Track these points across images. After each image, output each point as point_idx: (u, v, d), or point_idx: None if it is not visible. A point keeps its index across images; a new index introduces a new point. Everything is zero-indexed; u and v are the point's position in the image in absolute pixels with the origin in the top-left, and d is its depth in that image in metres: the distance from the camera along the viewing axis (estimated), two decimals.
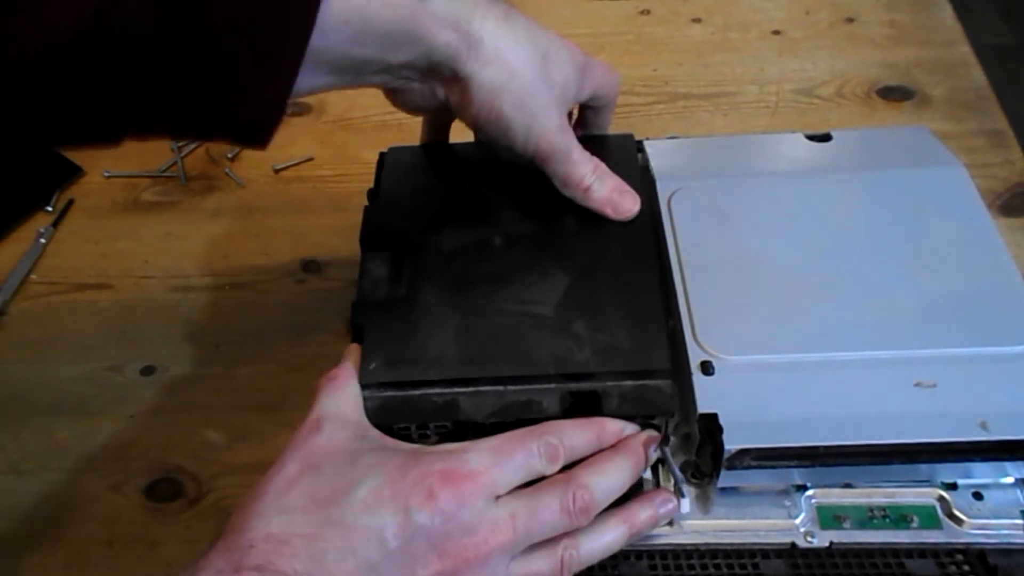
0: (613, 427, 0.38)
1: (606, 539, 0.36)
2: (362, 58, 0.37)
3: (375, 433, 0.37)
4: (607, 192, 0.44)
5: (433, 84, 0.41)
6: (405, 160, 0.50)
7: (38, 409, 0.51)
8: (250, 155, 0.65)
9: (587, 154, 0.44)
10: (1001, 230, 0.44)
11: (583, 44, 0.75)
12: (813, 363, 0.38)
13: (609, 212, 0.44)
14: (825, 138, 0.50)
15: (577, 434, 0.37)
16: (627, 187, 0.45)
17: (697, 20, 0.74)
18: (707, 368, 0.38)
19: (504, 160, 0.46)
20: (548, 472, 0.36)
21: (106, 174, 0.65)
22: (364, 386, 0.39)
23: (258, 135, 0.37)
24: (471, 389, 0.38)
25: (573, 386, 0.38)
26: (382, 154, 0.51)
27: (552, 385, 0.38)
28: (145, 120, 0.35)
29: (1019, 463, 0.37)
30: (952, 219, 0.44)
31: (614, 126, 0.64)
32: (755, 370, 0.38)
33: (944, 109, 0.64)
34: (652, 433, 0.38)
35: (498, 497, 0.35)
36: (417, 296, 0.42)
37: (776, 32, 0.71)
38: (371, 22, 0.36)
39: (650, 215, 0.45)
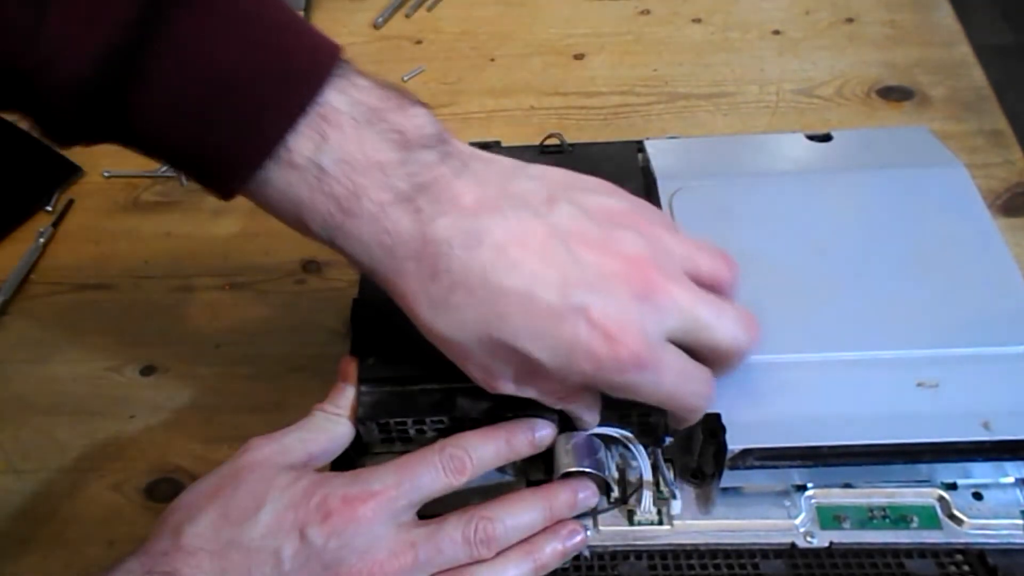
0: (519, 428, 0.37)
1: (508, 572, 0.35)
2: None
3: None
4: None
5: None
6: None
7: (38, 409, 0.51)
8: None
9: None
10: (1001, 230, 0.44)
11: (583, 44, 0.76)
12: (815, 363, 0.38)
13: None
14: (825, 138, 0.50)
15: (483, 443, 0.36)
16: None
17: (697, 20, 0.73)
18: None
19: None
20: (456, 484, 0.35)
21: (106, 174, 0.64)
22: (362, 381, 0.39)
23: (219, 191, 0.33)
24: (468, 385, 0.38)
25: None
26: None
27: None
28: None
29: (1020, 463, 0.37)
30: (953, 219, 0.44)
31: (615, 125, 0.65)
32: (757, 370, 0.38)
33: (944, 109, 0.64)
34: (582, 482, 0.38)
35: (402, 523, 0.34)
36: None
37: (776, 32, 0.71)
38: (303, 218, 0.33)
39: None
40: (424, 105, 0.33)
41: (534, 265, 0.32)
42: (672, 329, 0.33)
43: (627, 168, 0.48)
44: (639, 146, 0.50)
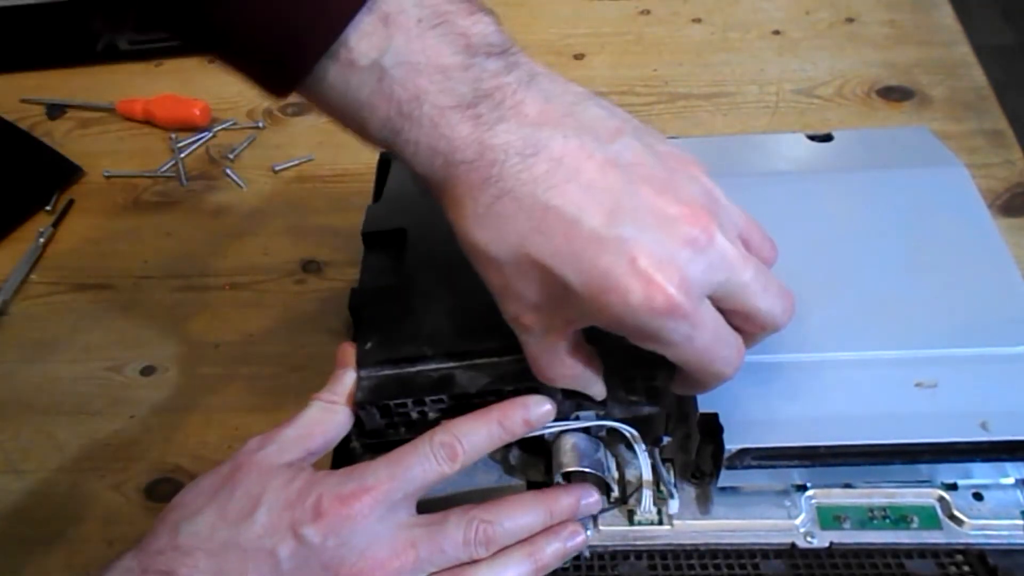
0: (512, 408, 0.36)
1: (508, 572, 0.35)
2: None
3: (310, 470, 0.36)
4: None
5: None
6: None
7: (38, 409, 0.51)
8: (250, 155, 0.65)
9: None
10: (1001, 230, 0.44)
11: (583, 44, 0.76)
12: (814, 363, 0.38)
13: None
14: (826, 138, 0.50)
15: (475, 427, 0.36)
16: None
17: (697, 20, 0.73)
18: None
19: None
20: (449, 471, 0.35)
21: (106, 174, 0.65)
22: (361, 366, 0.39)
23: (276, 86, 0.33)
24: (466, 362, 0.38)
25: None
26: (383, 155, 0.51)
27: None
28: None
29: (1019, 463, 0.37)
30: (953, 219, 0.44)
31: None
32: (755, 370, 0.38)
33: (944, 109, 0.64)
34: (586, 488, 0.38)
35: (401, 519, 0.34)
36: (415, 282, 0.42)
37: (776, 32, 0.71)
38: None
39: None
40: (491, 13, 0.32)
41: (587, 187, 0.31)
42: (715, 285, 0.31)
43: None
44: None
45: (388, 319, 0.41)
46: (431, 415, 0.39)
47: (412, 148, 0.32)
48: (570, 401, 0.39)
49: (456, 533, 0.35)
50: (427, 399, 0.38)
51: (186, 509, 0.34)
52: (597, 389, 0.37)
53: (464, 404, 0.38)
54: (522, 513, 0.36)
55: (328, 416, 0.38)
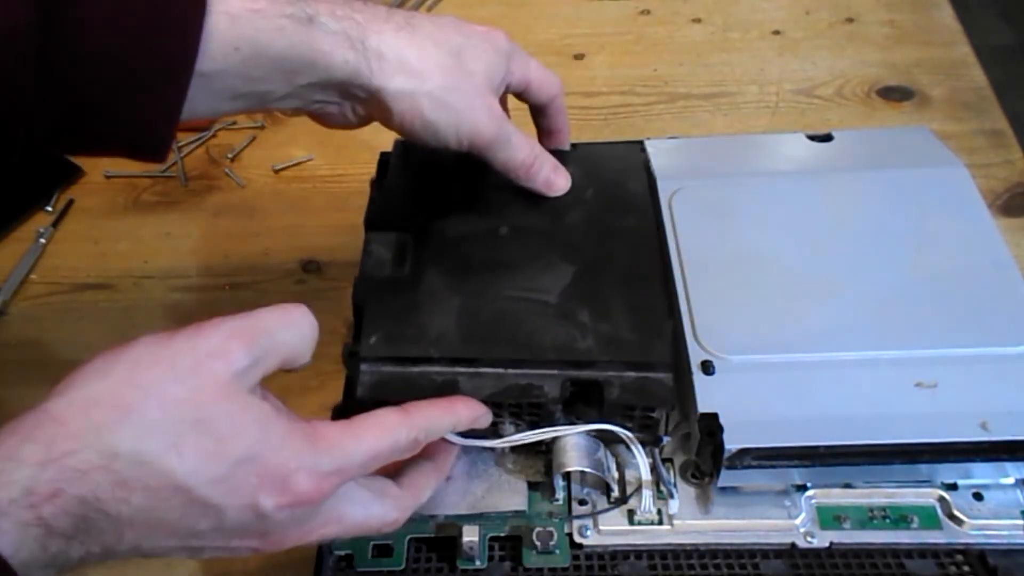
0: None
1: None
2: (262, 84, 0.37)
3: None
4: (546, 172, 0.45)
5: (350, 104, 0.41)
6: (414, 152, 0.49)
7: None
8: (250, 155, 0.65)
9: (525, 136, 0.44)
10: (1001, 230, 0.44)
11: (583, 44, 0.75)
12: (814, 363, 0.38)
13: (545, 190, 0.45)
14: (826, 138, 0.50)
15: (439, 416, 0.36)
16: (560, 165, 0.46)
17: (697, 20, 0.74)
18: (707, 368, 0.38)
19: None
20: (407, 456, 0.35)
21: (106, 174, 0.64)
22: (363, 359, 0.39)
23: (151, 152, 0.37)
24: (471, 369, 0.38)
25: (574, 373, 0.38)
26: (384, 154, 0.51)
27: (554, 371, 0.38)
28: (45, 137, 0.35)
29: (1019, 463, 0.37)
30: (953, 219, 0.44)
31: (615, 125, 0.65)
32: (756, 370, 0.38)
33: (944, 109, 0.64)
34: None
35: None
36: (420, 277, 0.42)
37: (776, 32, 0.71)
38: (262, 48, 0.36)
39: (653, 213, 0.45)
40: None
41: None
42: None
43: (632, 168, 0.48)
44: (640, 146, 0.50)
45: (394, 314, 0.40)
46: None
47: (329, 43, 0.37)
48: (568, 410, 0.39)
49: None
50: None
51: (134, 412, 0.30)
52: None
53: None
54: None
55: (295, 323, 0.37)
